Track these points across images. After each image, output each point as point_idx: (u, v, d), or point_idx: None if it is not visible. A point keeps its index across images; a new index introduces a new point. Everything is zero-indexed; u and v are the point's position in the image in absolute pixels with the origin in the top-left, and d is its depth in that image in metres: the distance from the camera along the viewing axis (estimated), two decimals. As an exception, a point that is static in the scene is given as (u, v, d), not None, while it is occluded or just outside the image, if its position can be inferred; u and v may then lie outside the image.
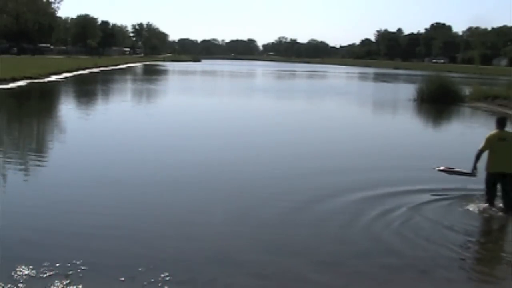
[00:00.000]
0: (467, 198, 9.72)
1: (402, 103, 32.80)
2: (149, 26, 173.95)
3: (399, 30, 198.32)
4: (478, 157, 9.24)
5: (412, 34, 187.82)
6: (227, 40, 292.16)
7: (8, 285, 5.74)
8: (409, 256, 7.08)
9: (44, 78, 42.78)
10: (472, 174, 9.50)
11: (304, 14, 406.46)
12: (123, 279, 6.03)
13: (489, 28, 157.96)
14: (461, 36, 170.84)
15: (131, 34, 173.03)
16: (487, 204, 9.18)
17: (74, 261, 6.34)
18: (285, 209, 8.93)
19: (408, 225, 8.25)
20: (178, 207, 9.07)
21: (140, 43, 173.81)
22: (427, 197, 9.87)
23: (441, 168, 10.59)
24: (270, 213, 8.77)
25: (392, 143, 17.59)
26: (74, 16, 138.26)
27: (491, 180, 9.11)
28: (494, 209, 9.09)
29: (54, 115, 23.91)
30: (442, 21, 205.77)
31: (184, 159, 13.15)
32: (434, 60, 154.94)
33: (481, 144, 9.23)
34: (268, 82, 62.37)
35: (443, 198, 9.89)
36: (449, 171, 10.45)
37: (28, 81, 38.81)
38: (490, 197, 9.19)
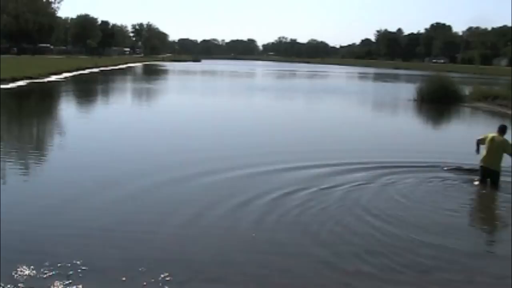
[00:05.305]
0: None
1: (402, 103, 32.81)
2: (149, 26, 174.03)
3: (399, 30, 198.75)
4: (477, 144, 11.28)
5: (412, 34, 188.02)
6: (227, 40, 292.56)
7: (8, 285, 5.75)
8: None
9: (44, 78, 42.78)
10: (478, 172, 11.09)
11: (304, 14, 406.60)
12: (123, 279, 6.03)
13: (489, 28, 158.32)
14: (461, 36, 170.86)
15: (131, 34, 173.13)
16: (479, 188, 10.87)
17: (74, 261, 6.35)
18: (301, 211, 8.95)
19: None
20: (178, 206, 9.05)
21: (140, 43, 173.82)
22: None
23: (450, 167, 12.23)
24: (274, 213, 8.76)
25: (392, 142, 17.62)
26: (74, 16, 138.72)
27: (482, 172, 10.94)
28: (483, 191, 10.73)
29: (53, 115, 23.91)
30: (442, 21, 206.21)
31: (183, 159, 13.14)
32: (434, 60, 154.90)
33: (481, 136, 11.31)
34: (267, 81, 62.32)
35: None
36: (456, 170, 12.00)
37: (28, 81, 38.82)
38: (480, 185, 10.90)
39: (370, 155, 14.25)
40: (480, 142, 11.18)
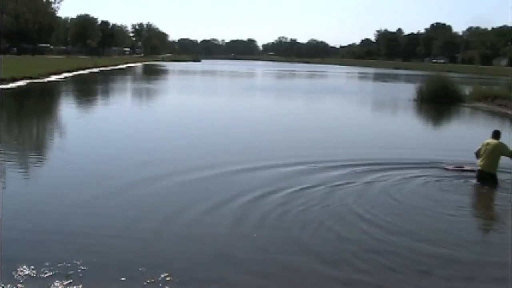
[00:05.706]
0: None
1: (402, 103, 32.81)
2: (149, 26, 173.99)
3: (399, 30, 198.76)
4: (477, 156, 11.40)
5: (412, 34, 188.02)
6: (227, 40, 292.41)
7: (8, 285, 5.75)
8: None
9: (44, 78, 42.79)
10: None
11: (304, 14, 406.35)
12: (123, 279, 6.04)
13: (489, 28, 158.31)
14: (461, 36, 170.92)
15: (131, 34, 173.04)
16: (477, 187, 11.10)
17: (74, 261, 6.36)
18: (300, 209, 8.96)
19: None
20: (178, 206, 9.04)
21: (140, 43, 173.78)
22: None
23: (451, 167, 12.40)
24: (274, 212, 8.77)
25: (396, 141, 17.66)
26: (74, 16, 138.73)
27: (479, 175, 11.21)
28: (482, 190, 10.97)
29: (53, 115, 23.92)
30: (442, 21, 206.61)
31: (183, 158, 13.15)
32: (434, 60, 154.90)
33: (479, 146, 11.43)
34: (267, 81, 62.29)
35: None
36: (458, 170, 12.20)
37: (28, 81, 38.82)
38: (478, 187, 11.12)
39: (369, 152, 14.34)
40: (478, 153, 11.38)
